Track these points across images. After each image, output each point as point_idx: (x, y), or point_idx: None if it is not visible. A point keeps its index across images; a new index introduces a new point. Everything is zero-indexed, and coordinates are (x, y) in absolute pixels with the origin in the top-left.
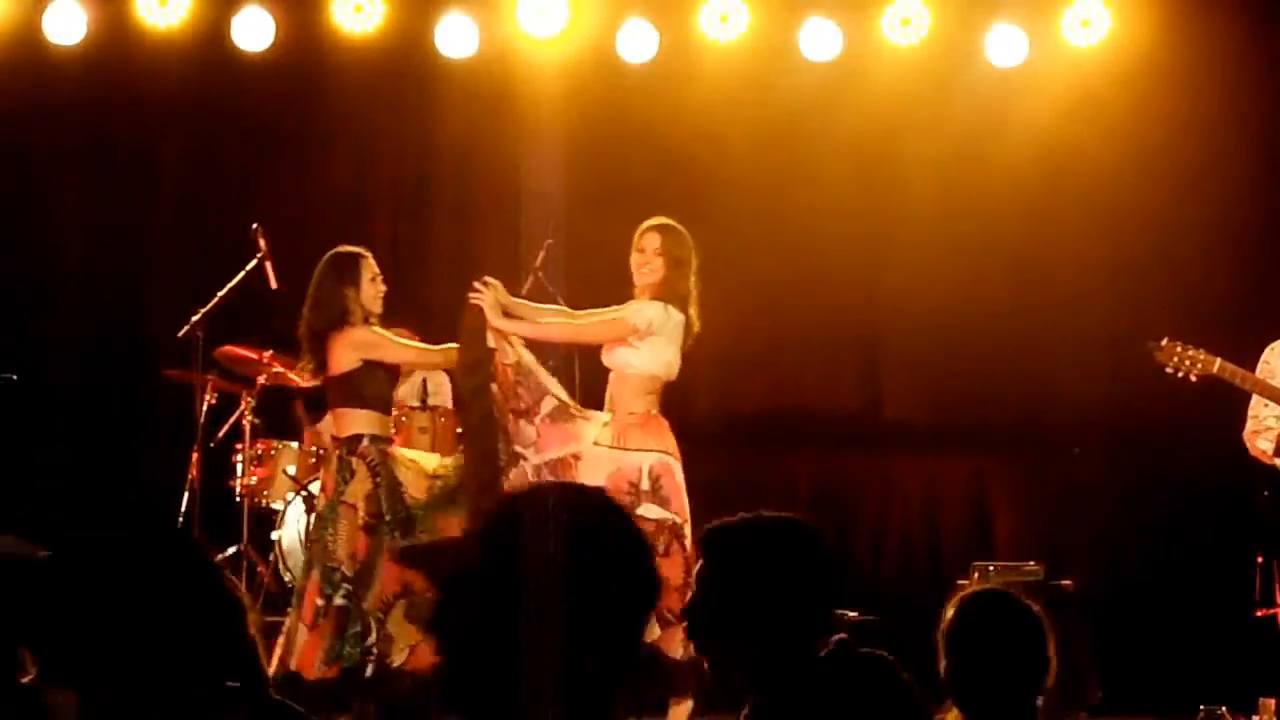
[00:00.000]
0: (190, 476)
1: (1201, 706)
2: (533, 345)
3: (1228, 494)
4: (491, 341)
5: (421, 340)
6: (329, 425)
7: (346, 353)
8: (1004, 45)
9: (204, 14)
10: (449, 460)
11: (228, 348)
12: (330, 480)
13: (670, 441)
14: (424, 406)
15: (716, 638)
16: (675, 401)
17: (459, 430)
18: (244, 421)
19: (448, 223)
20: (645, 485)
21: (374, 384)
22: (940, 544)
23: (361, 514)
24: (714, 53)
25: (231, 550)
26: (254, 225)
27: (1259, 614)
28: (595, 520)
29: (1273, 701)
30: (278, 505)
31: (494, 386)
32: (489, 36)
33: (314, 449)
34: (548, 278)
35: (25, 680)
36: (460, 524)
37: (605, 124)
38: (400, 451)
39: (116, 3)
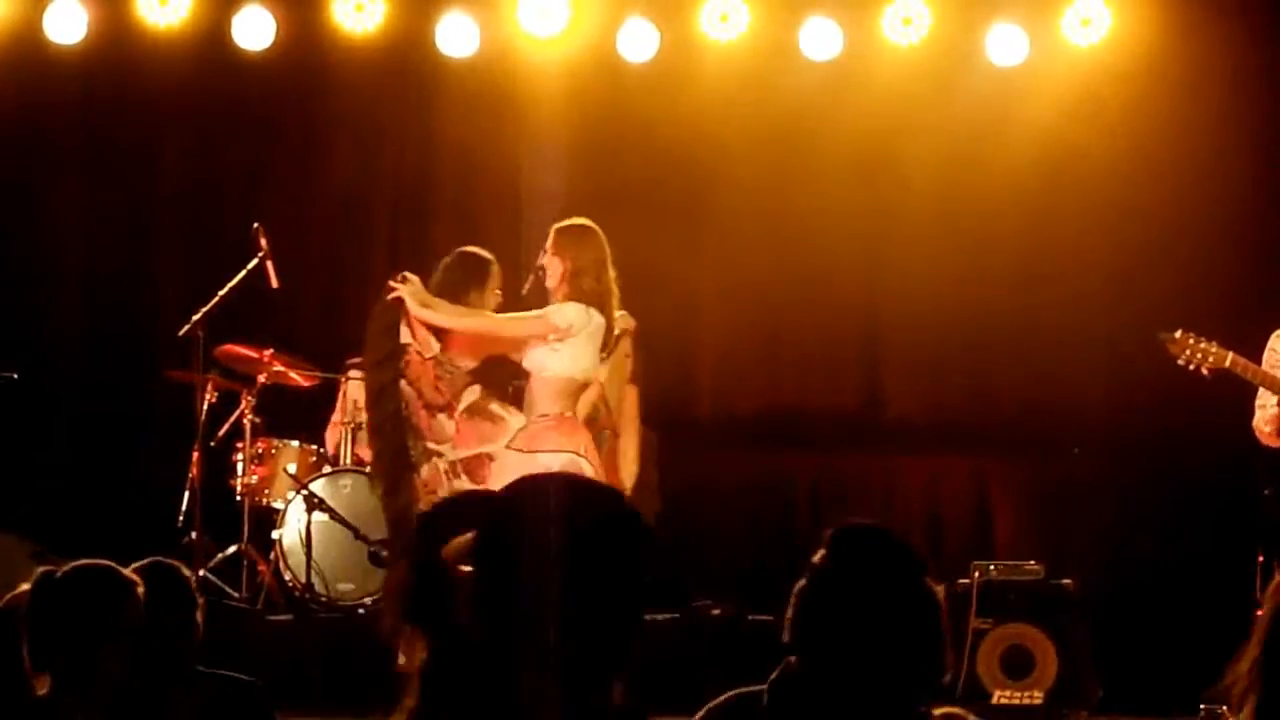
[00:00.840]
0: (191, 475)
1: (1202, 706)
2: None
3: (1228, 493)
4: (406, 336)
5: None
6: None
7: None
8: (1004, 45)
9: (204, 13)
10: None
11: (228, 346)
12: None
13: (582, 440)
14: None
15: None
16: (675, 401)
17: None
18: (244, 420)
19: (448, 223)
20: None
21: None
22: (940, 544)
23: None
24: (714, 52)
25: (231, 550)
26: (255, 225)
27: (1260, 613)
28: (596, 511)
29: None
30: (278, 504)
31: (403, 383)
32: (489, 36)
33: (314, 448)
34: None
35: (41, 693)
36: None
37: (605, 124)
38: None
39: (117, 2)
